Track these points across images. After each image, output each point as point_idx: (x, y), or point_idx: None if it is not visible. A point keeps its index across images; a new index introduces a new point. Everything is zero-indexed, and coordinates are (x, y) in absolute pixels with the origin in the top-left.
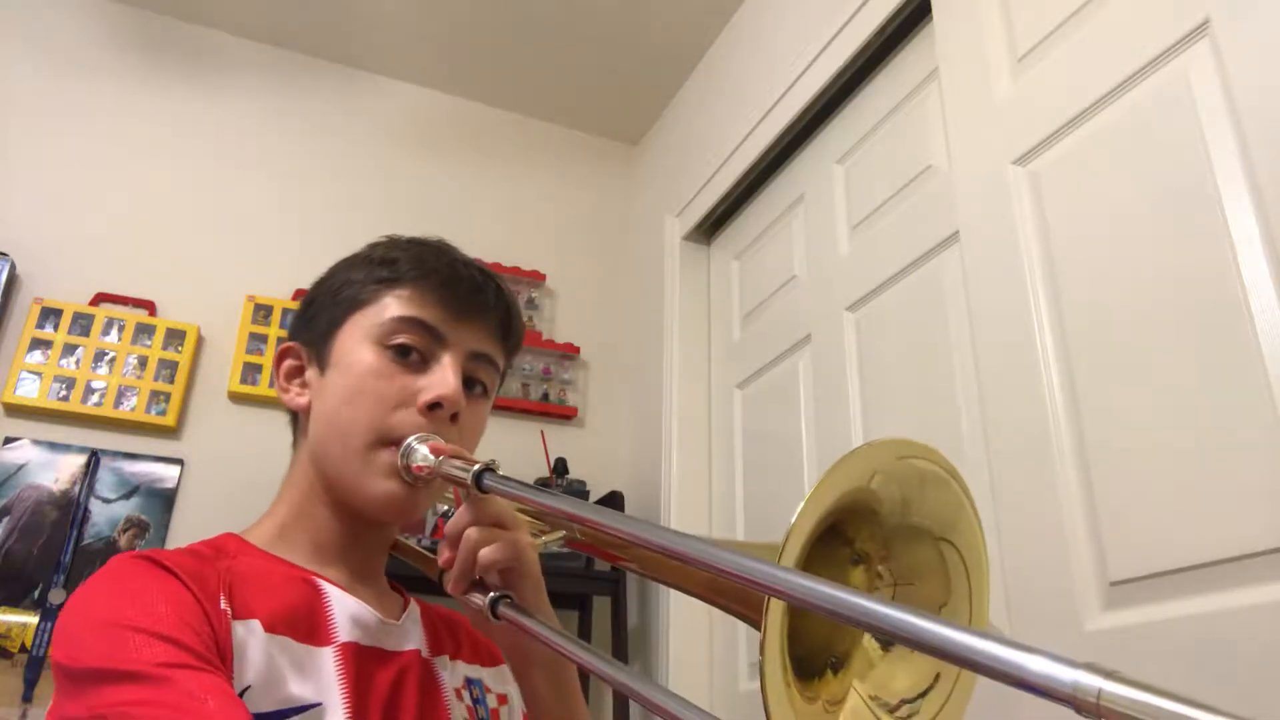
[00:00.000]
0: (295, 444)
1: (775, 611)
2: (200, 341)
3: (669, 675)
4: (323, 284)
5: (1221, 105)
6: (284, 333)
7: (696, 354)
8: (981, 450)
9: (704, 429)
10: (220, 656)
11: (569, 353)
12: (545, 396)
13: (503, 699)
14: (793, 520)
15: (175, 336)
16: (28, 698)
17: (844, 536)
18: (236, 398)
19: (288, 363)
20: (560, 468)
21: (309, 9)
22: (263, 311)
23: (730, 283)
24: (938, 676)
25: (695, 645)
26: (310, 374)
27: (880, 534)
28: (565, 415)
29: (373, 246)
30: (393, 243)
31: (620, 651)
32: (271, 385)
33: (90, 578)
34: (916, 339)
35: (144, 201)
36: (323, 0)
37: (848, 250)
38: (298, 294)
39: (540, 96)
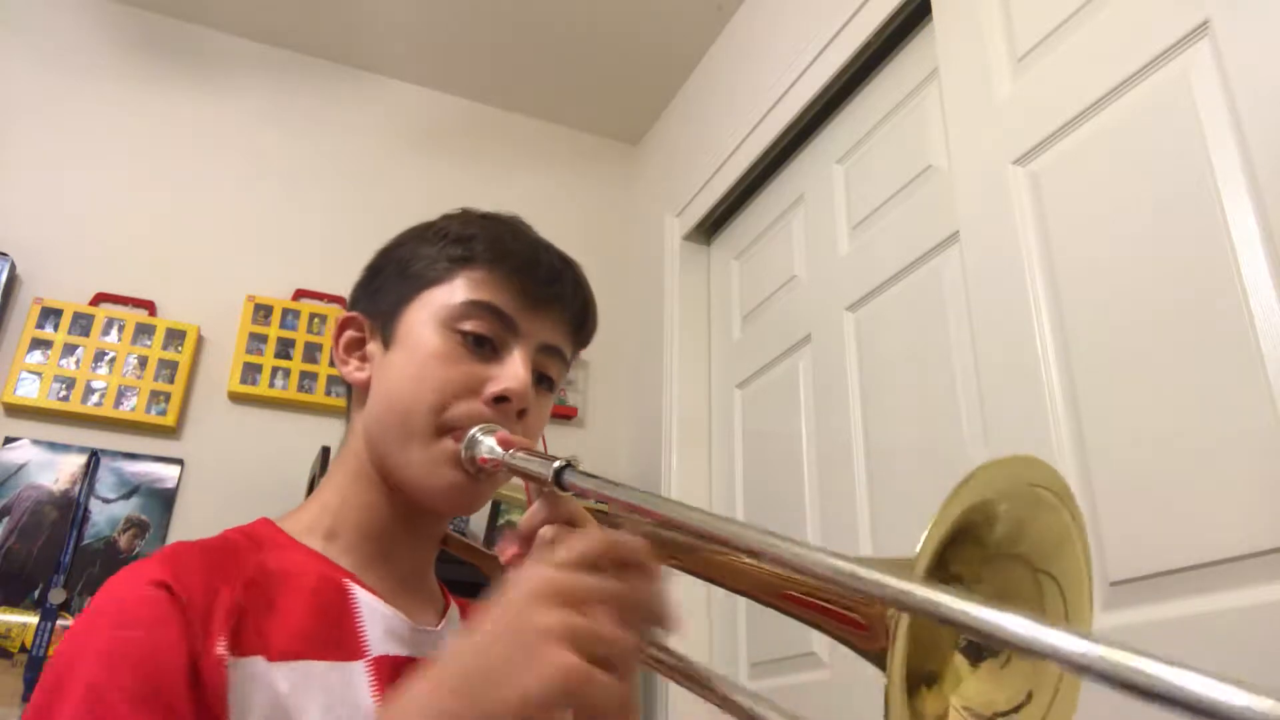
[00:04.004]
0: (349, 418)
1: (902, 636)
2: (200, 341)
3: None
4: (391, 254)
5: (1221, 105)
6: (283, 333)
7: (696, 354)
8: (981, 450)
9: (704, 429)
10: (210, 712)
11: None
12: None
13: None
14: (925, 534)
15: (175, 336)
16: (28, 698)
17: (941, 558)
18: (236, 398)
19: (348, 334)
20: None
21: (309, 9)
22: (263, 311)
23: (730, 283)
24: (1030, 695)
25: (695, 645)
26: (372, 348)
27: (980, 557)
28: (565, 415)
29: (447, 219)
30: (467, 218)
31: None
32: (331, 362)
33: (95, 600)
34: (916, 339)
35: (144, 201)
36: (323, 0)
37: (848, 250)
38: (298, 294)
39: (540, 96)
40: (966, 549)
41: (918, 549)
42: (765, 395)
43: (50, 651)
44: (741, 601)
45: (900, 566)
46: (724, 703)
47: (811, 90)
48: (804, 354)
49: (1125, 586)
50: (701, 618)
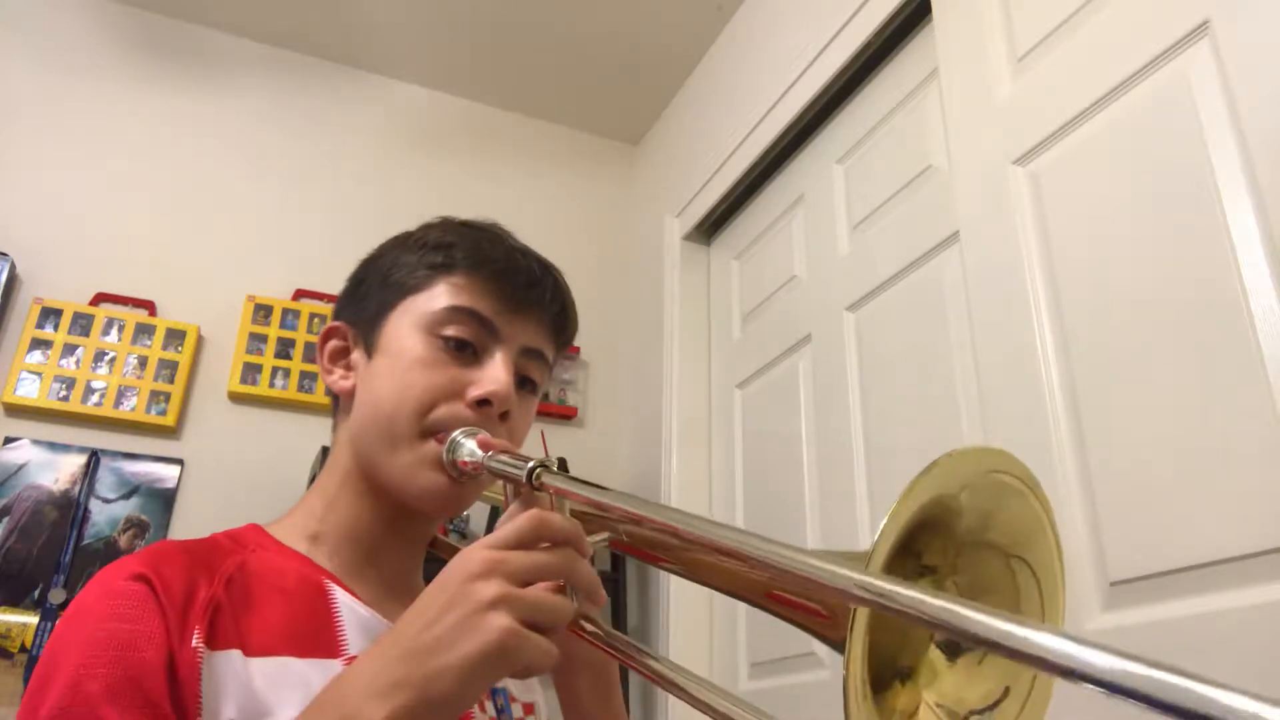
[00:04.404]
0: (335, 426)
1: (861, 624)
2: (200, 341)
3: None
4: (373, 264)
5: (1221, 105)
6: (283, 333)
7: (696, 354)
8: None
9: (704, 429)
10: (182, 703)
11: (569, 353)
12: (545, 396)
13: (529, 708)
14: (882, 525)
15: (175, 336)
16: None
17: (912, 549)
18: (236, 398)
19: (333, 343)
20: (560, 468)
21: (309, 9)
22: (263, 311)
23: (730, 283)
24: (1007, 690)
25: (695, 645)
26: (356, 356)
27: (952, 547)
28: (565, 415)
29: (426, 228)
30: (447, 226)
31: None
32: (315, 362)
33: (79, 595)
34: (916, 339)
35: (144, 201)
36: (323, 0)
37: (848, 250)
38: (298, 294)
39: (540, 96)
40: (937, 540)
41: (875, 537)
42: (765, 395)
43: None
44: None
45: (857, 559)
46: (644, 669)
47: (811, 90)
48: (804, 354)
49: (1125, 586)
50: (702, 617)
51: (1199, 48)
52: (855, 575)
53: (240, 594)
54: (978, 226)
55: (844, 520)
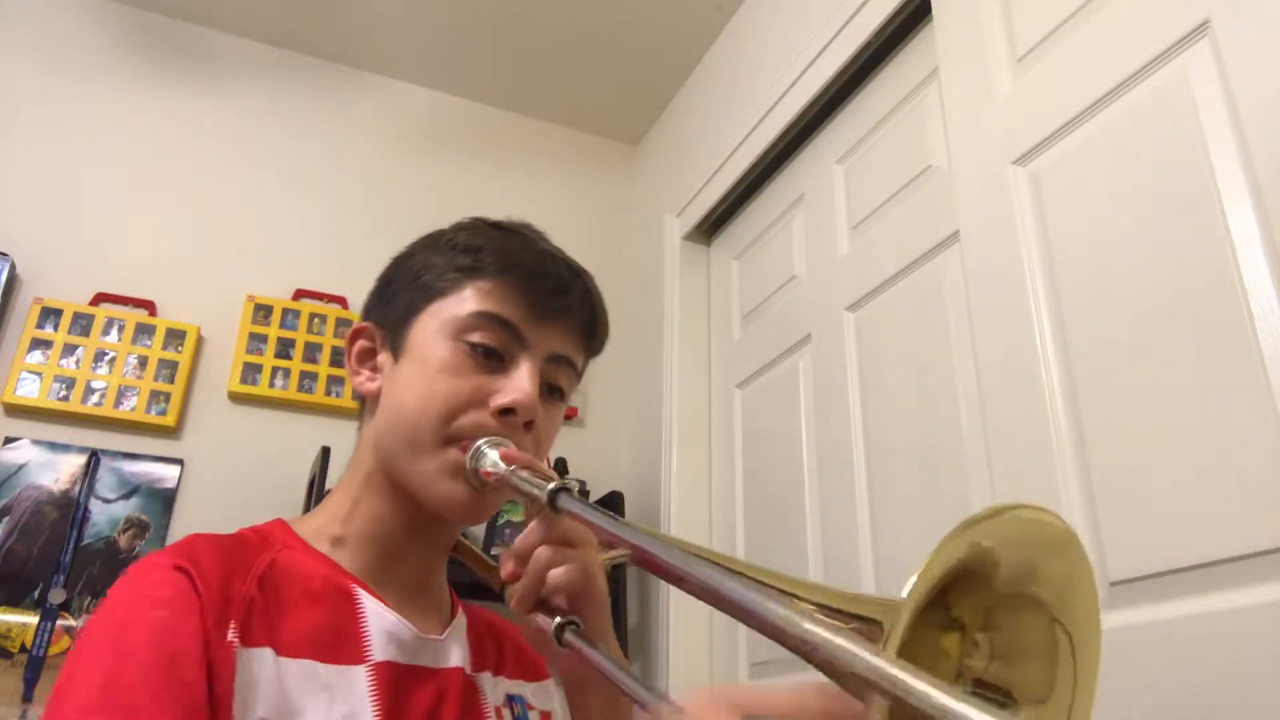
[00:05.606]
0: (360, 427)
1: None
2: (200, 341)
3: (669, 675)
4: (401, 264)
5: (1221, 105)
6: (283, 333)
7: (696, 354)
8: (981, 450)
9: (704, 429)
10: (216, 695)
11: None
12: None
13: (545, 716)
14: (914, 578)
15: (175, 336)
16: (28, 698)
17: (943, 602)
18: (236, 398)
19: (360, 344)
20: (560, 468)
21: (309, 9)
22: (263, 311)
23: (730, 283)
24: None
25: (695, 645)
26: (382, 358)
27: (988, 601)
28: (565, 415)
29: (456, 229)
30: (476, 228)
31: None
32: (342, 366)
33: (117, 583)
34: (916, 339)
35: (144, 201)
36: (323, 0)
37: (848, 250)
38: (298, 294)
39: (540, 96)
40: (970, 593)
41: (905, 592)
42: (765, 395)
43: (50, 651)
44: None
45: (886, 611)
46: None
47: (811, 90)
48: (804, 354)
49: (1125, 586)
50: (702, 617)
51: (1199, 48)
52: (870, 660)
53: (272, 593)
54: (978, 226)
55: (844, 521)
